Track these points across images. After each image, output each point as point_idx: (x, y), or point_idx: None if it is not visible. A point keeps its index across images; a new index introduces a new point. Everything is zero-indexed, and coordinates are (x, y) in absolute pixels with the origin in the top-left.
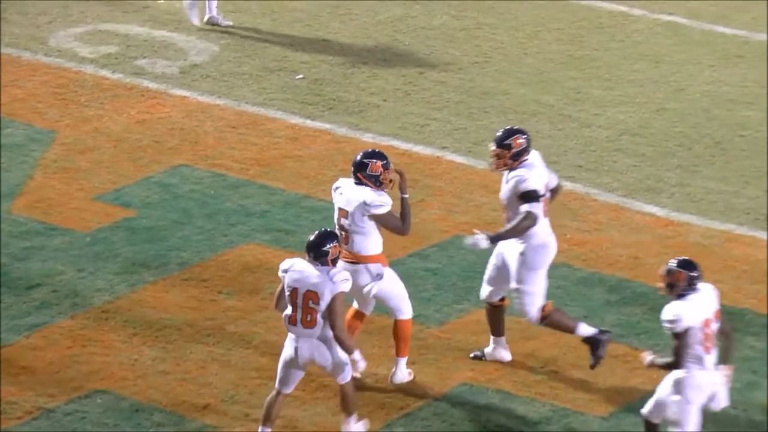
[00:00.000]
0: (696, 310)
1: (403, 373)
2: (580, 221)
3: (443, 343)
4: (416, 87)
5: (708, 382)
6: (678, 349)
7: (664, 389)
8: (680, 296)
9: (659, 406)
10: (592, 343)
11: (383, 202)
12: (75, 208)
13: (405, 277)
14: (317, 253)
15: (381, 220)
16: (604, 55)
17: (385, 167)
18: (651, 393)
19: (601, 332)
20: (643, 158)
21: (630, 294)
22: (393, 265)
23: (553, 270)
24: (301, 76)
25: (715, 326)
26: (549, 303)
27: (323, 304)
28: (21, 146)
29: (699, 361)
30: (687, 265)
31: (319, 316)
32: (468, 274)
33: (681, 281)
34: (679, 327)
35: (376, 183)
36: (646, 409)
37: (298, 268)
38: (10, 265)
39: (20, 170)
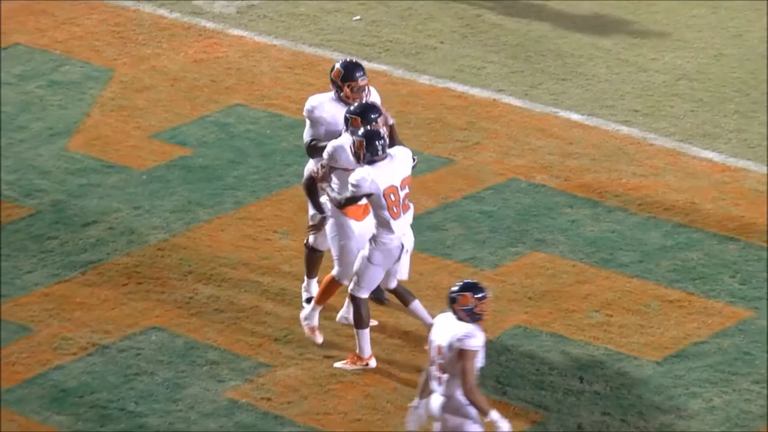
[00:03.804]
0: (381, 177)
1: (311, 318)
2: (636, 166)
3: (497, 285)
4: (473, 30)
5: (395, 246)
6: (348, 200)
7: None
8: (370, 162)
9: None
10: None
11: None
12: (132, 146)
13: (460, 219)
14: (449, 300)
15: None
16: None
17: (352, 111)
18: (706, 339)
19: None
20: (701, 103)
21: (685, 239)
22: (448, 207)
23: (608, 214)
24: (358, 17)
25: (403, 193)
26: None
27: (446, 361)
28: (78, 84)
29: (386, 225)
30: (368, 135)
31: (445, 374)
32: (523, 217)
33: (362, 150)
34: (360, 192)
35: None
36: (351, 285)
37: (439, 320)
38: (67, 202)
39: (77, 108)
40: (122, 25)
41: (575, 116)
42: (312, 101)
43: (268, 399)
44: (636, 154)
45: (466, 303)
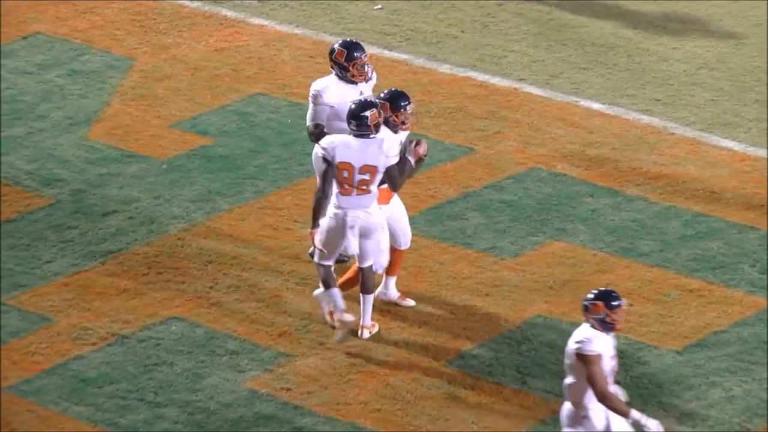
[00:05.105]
0: (343, 151)
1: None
2: (657, 155)
3: (518, 275)
4: (494, 18)
5: (339, 218)
6: (323, 175)
7: None
8: (358, 136)
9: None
10: None
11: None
12: (152, 136)
13: (480, 208)
14: (582, 308)
15: None
16: None
17: (381, 98)
18: (726, 328)
19: None
20: (721, 93)
21: (706, 228)
22: (468, 196)
23: (629, 203)
24: (379, 6)
25: (360, 177)
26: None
27: (568, 365)
28: (98, 73)
29: (338, 197)
30: (354, 110)
31: (568, 378)
32: (543, 206)
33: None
34: (326, 154)
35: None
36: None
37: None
38: (87, 192)
39: (97, 97)
40: (143, 14)
41: (596, 105)
42: (317, 86)
43: (288, 389)
44: (657, 143)
45: (597, 312)
